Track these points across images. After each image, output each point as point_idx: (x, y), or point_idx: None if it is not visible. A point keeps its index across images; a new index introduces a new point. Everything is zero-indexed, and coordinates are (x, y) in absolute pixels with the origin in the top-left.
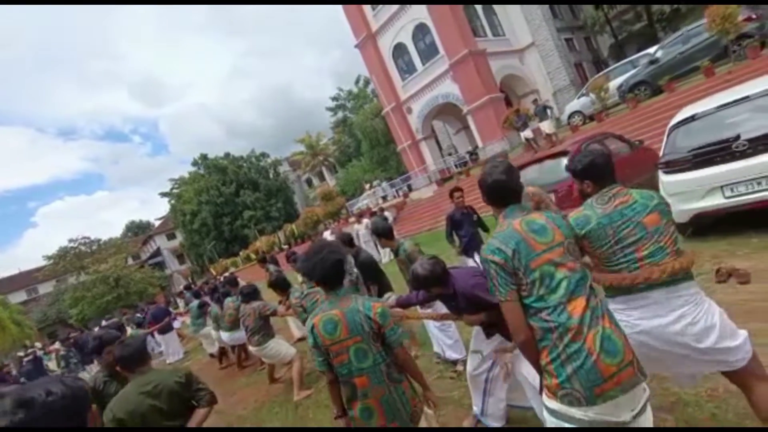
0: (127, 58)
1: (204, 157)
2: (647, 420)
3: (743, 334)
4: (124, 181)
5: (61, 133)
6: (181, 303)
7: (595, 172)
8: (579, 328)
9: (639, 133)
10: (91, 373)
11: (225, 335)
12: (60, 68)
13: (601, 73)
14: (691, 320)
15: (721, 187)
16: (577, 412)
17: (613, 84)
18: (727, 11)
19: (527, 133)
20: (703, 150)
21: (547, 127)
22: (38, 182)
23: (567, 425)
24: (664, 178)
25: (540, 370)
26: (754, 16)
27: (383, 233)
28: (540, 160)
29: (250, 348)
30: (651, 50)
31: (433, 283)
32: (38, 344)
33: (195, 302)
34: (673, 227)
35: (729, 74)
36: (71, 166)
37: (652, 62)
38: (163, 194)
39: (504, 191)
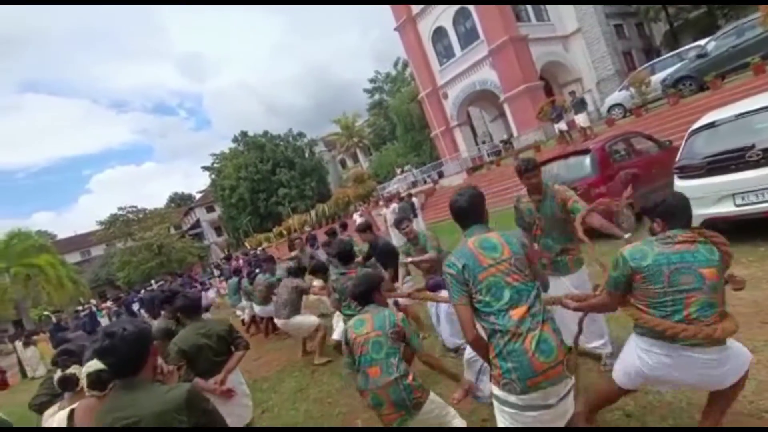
0: (173, 31)
1: (244, 134)
2: (569, 403)
3: (748, 362)
4: (170, 154)
5: (113, 105)
6: (216, 272)
7: (665, 212)
8: (517, 331)
9: (676, 131)
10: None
11: (257, 308)
12: (110, 42)
13: (644, 66)
14: (719, 368)
15: (733, 195)
16: (513, 398)
17: (657, 77)
18: None
19: (561, 126)
20: (717, 157)
21: (582, 120)
22: (92, 151)
23: (506, 408)
24: (678, 183)
25: (488, 362)
26: None
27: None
28: (565, 156)
29: (276, 321)
30: (702, 42)
31: None
32: (93, 301)
33: (234, 279)
34: (724, 287)
35: None
36: (122, 137)
37: (700, 56)
38: (205, 168)
39: (465, 215)
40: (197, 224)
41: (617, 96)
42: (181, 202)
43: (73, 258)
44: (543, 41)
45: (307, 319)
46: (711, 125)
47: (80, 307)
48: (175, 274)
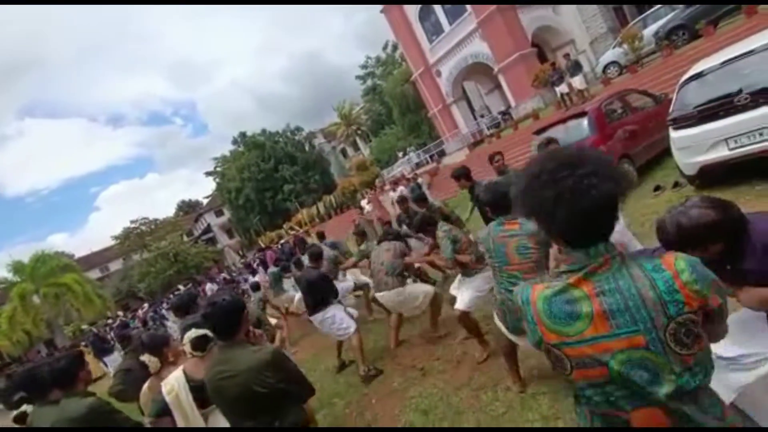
0: (159, 40)
1: (243, 134)
2: None
3: None
4: (171, 163)
5: (110, 121)
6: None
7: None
8: None
9: (672, 83)
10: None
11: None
12: (99, 58)
13: (636, 20)
14: None
15: (726, 139)
16: None
17: (649, 30)
18: None
19: (563, 88)
20: (707, 105)
21: (578, 82)
22: (96, 169)
23: None
24: (673, 134)
25: None
26: None
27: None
28: (564, 121)
29: (379, 295)
30: None
31: (716, 236)
32: (120, 312)
33: (274, 269)
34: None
35: None
36: (122, 152)
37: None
38: (208, 173)
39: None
40: (208, 229)
41: (611, 54)
42: (189, 209)
43: (92, 275)
44: (531, 7)
45: (420, 287)
46: (699, 75)
47: (110, 320)
48: (195, 279)
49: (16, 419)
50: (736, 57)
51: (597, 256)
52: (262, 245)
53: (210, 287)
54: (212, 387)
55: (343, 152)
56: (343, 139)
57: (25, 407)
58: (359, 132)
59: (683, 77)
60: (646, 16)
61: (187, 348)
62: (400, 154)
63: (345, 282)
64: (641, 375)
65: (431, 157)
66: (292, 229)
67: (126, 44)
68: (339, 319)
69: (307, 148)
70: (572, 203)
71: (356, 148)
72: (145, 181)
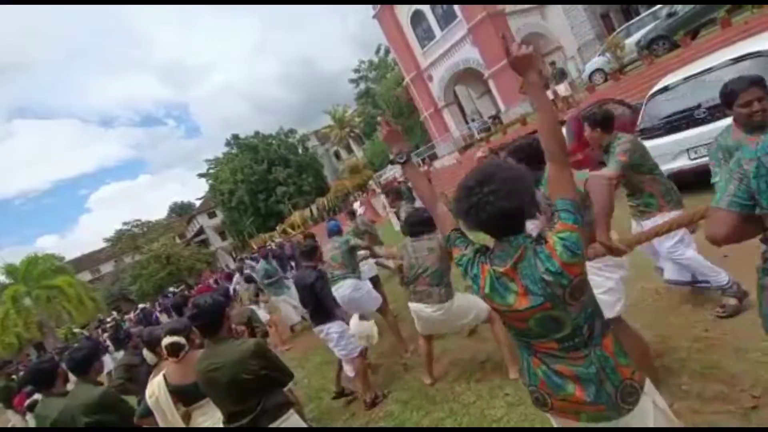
0: (152, 42)
1: (236, 137)
2: None
3: None
4: (164, 165)
5: (102, 122)
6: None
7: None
8: None
9: None
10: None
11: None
12: (91, 59)
13: (620, 29)
14: None
15: (687, 150)
16: None
17: (632, 40)
18: None
19: (548, 95)
20: (671, 117)
21: (563, 90)
22: (87, 170)
23: None
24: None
25: None
26: None
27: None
28: None
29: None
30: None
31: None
32: (114, 313)
33: (265, 263)
34: None
35: (746, 24)
36: (114, 153)
37: (670, 14)
38: (201, 175)
39: None
40: (201, 231)
41: (597, 61)
42: (181, 211)
43: (83, 277)
44: (520, 13)
45: (471, 299)
46: (665, 89)
47: (104, 319)
48: (188, 285)
49: (30, 407)
50: (696, 73)
51: (517, 247)
52: (254, 247)
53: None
54: (204, 379)
55: (337, 155)
56: (336, 141)
57: (36, 396)
58: (352, 135)
59: (651, 91)
60: (630, 25)
61: (165, 353)
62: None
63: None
64: (549, 325)
65: (423, 160)
66: (285, 231)
67: (117, 45)
68: (338, 337)
69: (300, 150)
70: (475, 215)
71: (349, 151)
72: (138, 183)
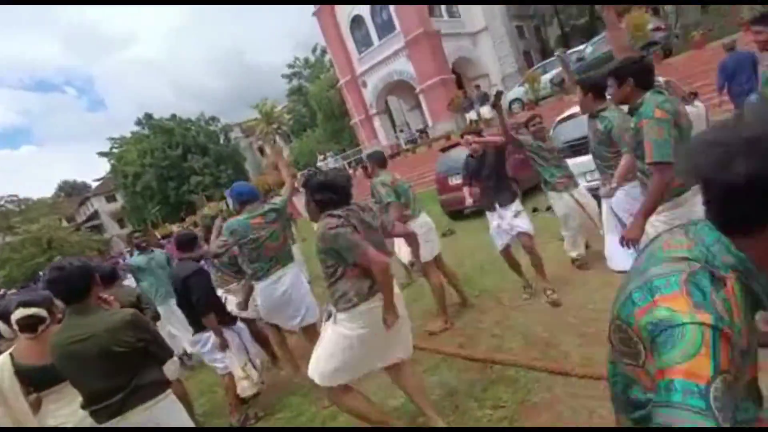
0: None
1: (149, 116)
2: None
3: None
4: (56, 137)
5: None
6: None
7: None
8: None
9: None
10: None
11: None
12: None
13: (537, 66)
14: None
15: (584, 173)
16: None
17: (546, 77)
18: (640, 20)
19: (472, 115)
20: (572, 143)
21: (486, 112)
22: None
23: None
24: None
25: None
26: (662, 27)
27: None
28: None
29: None
30: (581, 47)
31: None
32: None
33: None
34: None
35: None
36: None
37: (579, 59)
38: (102, 154)
39: None
40: (95, 215)
41: (516, 91)
42: (73, 190)
43: None
44: (454, 36)
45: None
46: (569, 117)
47: None
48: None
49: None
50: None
51: None
52: (158, 236)
53: None
54: (62, 353)
55: (261, 150)
56: (262, 136)
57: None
58: (280, 131)
59: (558, 118)
60: (546, 63)
61: (16, 329)
62: (321, 157)
63: None
64: None
65: (349, 164)
66: (195, 224)
67: None
68: (211, 348)
69: (222, 140)
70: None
71: None
72: (19, 153)
